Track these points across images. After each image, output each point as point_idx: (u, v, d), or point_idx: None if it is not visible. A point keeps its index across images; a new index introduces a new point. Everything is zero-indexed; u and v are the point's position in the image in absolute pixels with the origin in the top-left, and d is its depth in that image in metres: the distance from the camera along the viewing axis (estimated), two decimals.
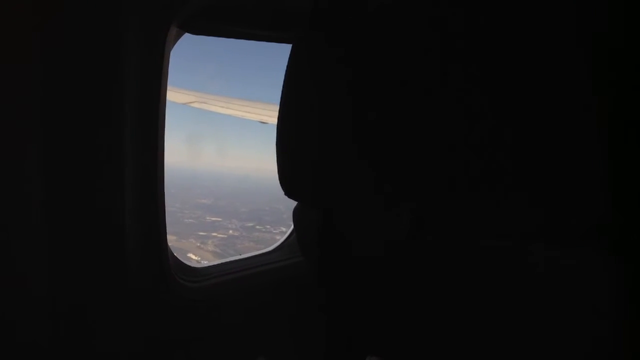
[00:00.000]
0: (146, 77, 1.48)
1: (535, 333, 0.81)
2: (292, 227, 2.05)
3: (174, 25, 1.53)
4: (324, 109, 0.93)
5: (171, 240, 1.71)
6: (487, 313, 0.85)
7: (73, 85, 1.32)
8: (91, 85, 1.35)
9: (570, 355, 0.82)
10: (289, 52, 1.05)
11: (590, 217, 0.76)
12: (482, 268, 0.82)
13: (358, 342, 1.18)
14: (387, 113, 0.83)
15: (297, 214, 1.17)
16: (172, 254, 1.73)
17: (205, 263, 1.97)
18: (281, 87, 1.06)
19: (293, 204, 1.19)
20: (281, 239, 2.20)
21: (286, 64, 1.06)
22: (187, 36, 1.72)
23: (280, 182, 1.07)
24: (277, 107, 1.07)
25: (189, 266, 1.80)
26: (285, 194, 1.09)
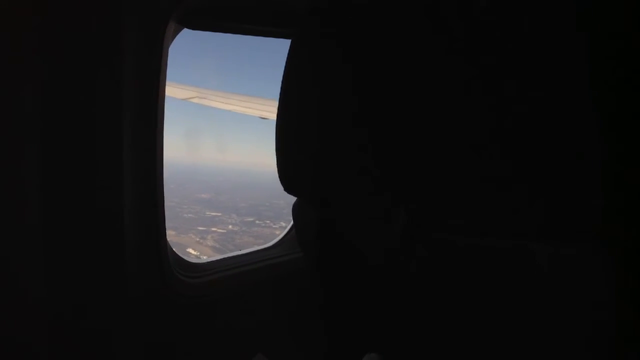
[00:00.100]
0: (145, 73, 1.48)
1: (535, 333, 0.82)
2: (292, 222, 2.05)
3: (172, 21, 1.53)
4: (323, 105, 0.93)
5: (170, 235, 1.72)
6: (486, 311, 0.86)
7: (72, 82, 1.32)
8: (90, 81, 1.35)
9: (571, 352, 0.83)
10: (288, 48, 1.06)
11: (591, 216, 0.76)
12: (481, 267, 0.83)
13: (357, 339, 1.18)
14: (386, 111, 0.83)
15: (296, 210, 1.17)
16: (172, 249, 1.73)
17: (204, 258, 1.97)
18: (280, 83, 1.06)
19: (293, 199, 1.19)
20: (281, 234, 2.21)
21: (285, 59, 1.06)
22: (186, 31, 1.72)
23: (280, 178, 1.08)
24: (277, 103, 1.07)
25: (189, 262, 1.81)
26: (285, 189, 1.09)
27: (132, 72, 1.43)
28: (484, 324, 0.87)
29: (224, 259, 1.95)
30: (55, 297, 1.35)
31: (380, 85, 0.83)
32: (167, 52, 1.56)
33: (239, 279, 1.91)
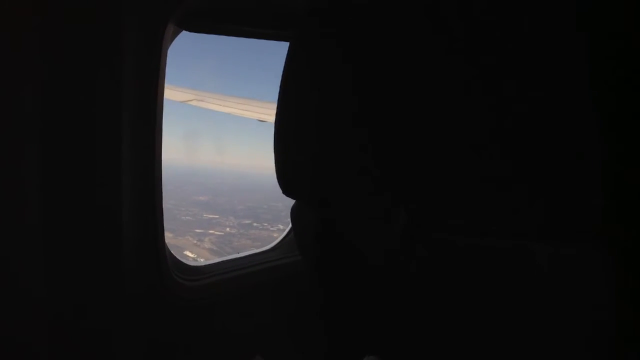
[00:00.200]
0: (144, 75, 1.48)
1: (535, 332, 0.82)
2: (291, 225, 2.05)
3: (171, 23, 1.53)
4: (321, 107, 0.93)
5: (167, 237, 1.71)
6: (486, 311, 0.85)
7: (71, 83, 1.32)
8: (89, 83, 1.34)
9: (571, 352, 0.83)
10: (287, 50, 1.05)
11: (591, 216, 0.76)
12: (481, 267, 0.83)
13: (356, 341, 1.18)
14: (386, 111, 0.83)
15: (294, 213, 1.17)
16: (170, 252, 1.73)
17: (202, 261, 1.97)
18: (279, 85, 1.06)
19: (291, 202, 1.19)
20: (280, 237, 2.20)
21: (284, 62, 1.06)
22: (183, 34, 1.72)
23: (278, 181, 1.07)
24: (275, 106, 1.07)
25: (187, 265, 1.80)
26: (283, 192, 1.09)
27: (132, 73, 1.43)
28: (484, 324, 0.86)
29: (223, 261, 1.95)
30: (55, 297, 1.35)
31: (380, 86, 0.83)
32: (166, 54, 1.56)
33: (238, 282, 1.91)
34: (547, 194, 0.75)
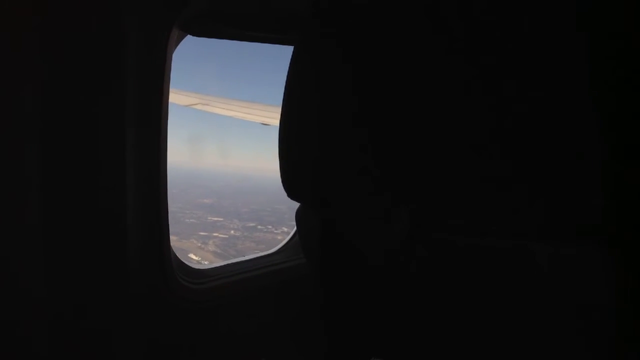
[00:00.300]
0: (149, 78, 1.49)
1: (536, 332, 0.82)
2: (295, 228, 2.05)
3: (175, 28, 1.53)
4: (326, 111, 0.93)
5: (172, 240, 1.72)
6: (486, 311, 0.86)
7: (76, 88, 1.32)
8: (94, 88, 1.35)
9: (571, 352, 0.83)
10: (291, 54, 1.06)
11: (591, 216, 0.76)
12: (481, 267, 0.83)
13: (360, 344, 1.18)
14: (386, 111, 0.83)
15: (299, 216, 1.17)
16: (175, 255, 1.73)
17: (206, 264, 1.97)
18: (283, 89, 1.07)
19: (295, 204, 1.20)
20: (285, 240, 2.21)
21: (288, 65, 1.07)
22: (189, 38, 1.73)
23: (283, 184, 1.08)
24: (279, 109, 1.08)
25: (192, 268, 1.81)
26: (288, 195, 1.09)
27: (136, 77, 1.44)
28: (484, 324, 0.87)
29: (227, 265, 1.95)
30: (56, 297, 1.35)
31: (380, 86, 0.83)
32: (171, 58, 1.57)
33: (243, 285, 1.91)
34: (547, 194, 0.76)
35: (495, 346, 0.87)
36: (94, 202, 1.39)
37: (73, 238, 1.37)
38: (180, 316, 1.70)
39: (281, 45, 1.93)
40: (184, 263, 1.78)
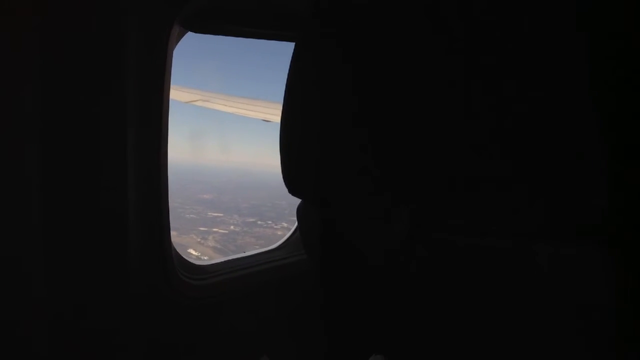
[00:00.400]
0: (149, 76, 1.49)
1: (536, 332, 0.82)
2: (296, 224, 2.06)
3: (176, 24, 1.53)
4: (326, 110, 0.93)
5: (172, 236, 1.72)
6: (486, 311, 0.86)
7: (77, 85, 1.33)
8: (95, 85, 1.35)
9: (571, 352, 0.83)
10: (292, 51, 1.06)
11: (591, 216, 0.77)
12: (481, 267, 0.83)
13: (361, 341, 1.19)
14: (386, 111, 0.83)
15: (301, 212, 1.17)
16: (176, 251, 1.73)
17: (205, 259, 1.98)
18: (284, 86, 1.07)
19: (295, 199, 1.20)
20: (286, 236, 2.21)
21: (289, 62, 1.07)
22: (190, 34, 1.73)
23: (284, 180, 1.08)
24: (280, 106, 1.08)
25: (193, 264, 1.81)
26: (289, 191, 1.09)
27: (137, 74, 1.44)
28: (484, 324, 0.87)
29: (228, 261, 1.96)
30: (57, 297, 1.36)
31: (380, 85, 0.83)
32: (172, 55, 1.57)
33: (244, 281, 1.92)
34: (547, 193, 0.76)
35: (495, 346, 0.87)
36: (95, 201, 1.39)
37: (73, 238, 1.37)
38: (182, 312, 1.71)
39: (282, 42, 1.94)
40: (184, 259, 1.78)
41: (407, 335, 1.01)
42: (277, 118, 1.07)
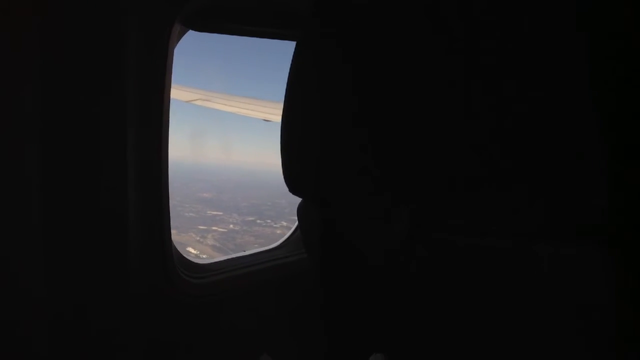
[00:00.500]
0: (150, 75, 1.49)
1: (536, 332, 0.82)
2: (297, 223, 2.06)
3: (177, 23, 1.53)
4: (326, 110, 0.93)
5: (171, 234, 1.72)
6: (486, 311, 0.86)
7: (77, 84, 1.33)
8: (95, 83, 1.35)
9: (571, 352, 0.83)
10: (293, 50, 1.06)
11: (591, 216, 0.77)
12: (481, 267, 0.83)
13: (361, 339, 1.19)
14: (386, 111, 0.83)
15: (301, 211, 1.17)
16: (177, 250, 1.74)
17: (204, 257, 1.98)
18: (285, 85, 1.07)
19: (295, 198, 1.20)
20: (286, 235, 2.21)
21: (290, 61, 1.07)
22: (190, 33, 1.73)
23: (285, 179, 1.08)
24: (281, 105, 1.08)
25: (193, 262, 1.81)
26: (290, 190, 1.09)
27: (137, 73, 1.44)
28: (484, 324, 0.87)
29: (229, 259, 1.96)
30: (57, 297, 1.36)
31: (380, 86, 0.83)
32: (173, 54, 1.56)
33: (244, 280, 1.92)
34: (547, 193, 0.76)
35: (495, 345, 0.87)
36: (95, 201, 1.39)
37: (73, 238, 1.37)
38: (182, 310, 1.71)
39: (283, 41, 1.94)
40: (185, 258, 1.79)
41: (408, 335, 1.01)
42: (277, 118, 1.07)
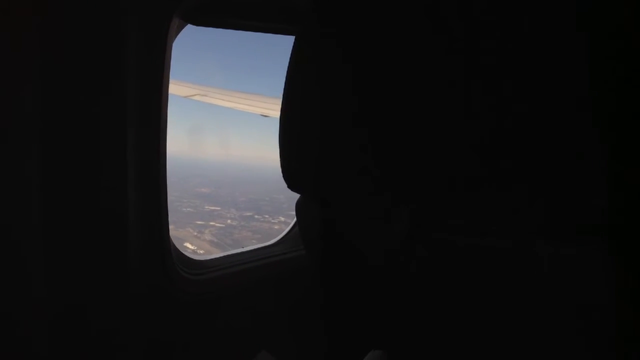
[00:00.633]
0: (148, 70, 1.48)
1: (536, 332, 0.82)
2: (295, 219, 2.06)
3: (176, 17, 1.53)
4: (326, 103, 0.93)
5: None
6: (486, 311, 0.86)
7: (74, 80, 1.32)
8: (93, 79, 1.35)
9: (571, 352, 0.83)
10: (292, 45, 1.05)
11: (591, 216, 0.77)
12: (481, 267, 0.83)
13: (360, 337, 1.19)
14: (386, 111, 0.83)
15: (300, 207, 1.17)
16: (175, 247, 1.74)
17: (201, 252, 1.99)
18: (284, 80, 1.06)
19: (293, 194, 1.20)
20: (284, 231, 2.21)
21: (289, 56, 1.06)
22: (189, 27, 1.72)
23: (283, 175, 1.08)
24: (279, 101, 1.07)
25: (192, 259, 1.82)
26: (288, 186, 1.09)
27: (136, 68, 1.44)
28: (484, 324, 0.87)
29: (227, 256, 1.96)
30: (57, 297, 1.36)
31: (379, 85, 0.83)
32: (171, 49, 1.56)
33: (242, 276, 1.92)
34: (547, 193, 0.76)
35: (494, 345, 0.87)
36: (95, 201, 1.39)
37: (73, 238, 1.37)
38: (180, 307, 1.71)
39: (282, 35, 1.93)
40: (183, 254, 1.79)
41: (407, 334, 1.01)
42: (274, 113, 1.06)
